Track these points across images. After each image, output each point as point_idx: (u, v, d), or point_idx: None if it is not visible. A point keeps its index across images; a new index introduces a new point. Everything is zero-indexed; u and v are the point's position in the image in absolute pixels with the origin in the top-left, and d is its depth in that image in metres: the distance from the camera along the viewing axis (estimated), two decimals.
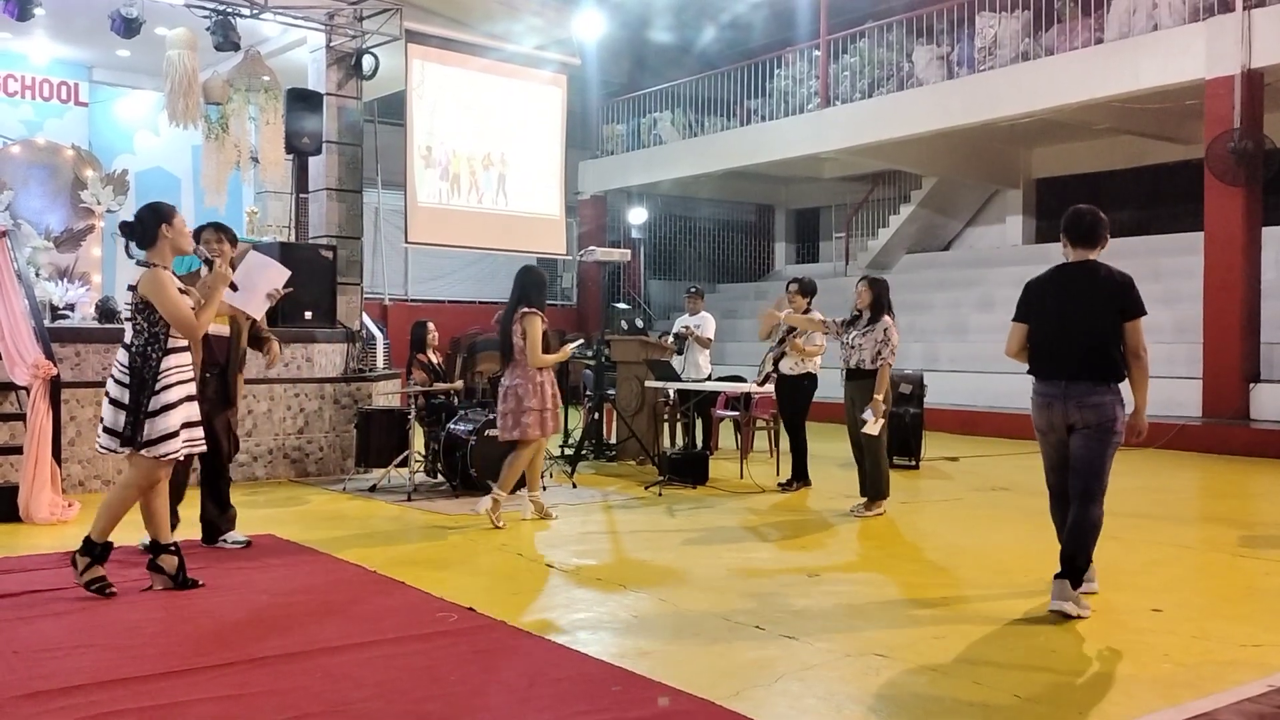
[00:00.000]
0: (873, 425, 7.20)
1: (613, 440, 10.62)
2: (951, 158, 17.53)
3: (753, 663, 4.09)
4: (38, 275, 10.23)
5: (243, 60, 11.02)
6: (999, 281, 16.82)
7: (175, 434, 4.85)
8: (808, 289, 8.50)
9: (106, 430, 4.89)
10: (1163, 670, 4.05)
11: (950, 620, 4.79)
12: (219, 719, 3.44)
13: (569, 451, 9.82)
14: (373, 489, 8.33)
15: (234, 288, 5.28)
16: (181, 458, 5.02)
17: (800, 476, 8.59)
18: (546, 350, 6.92)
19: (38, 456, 6.84)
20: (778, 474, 8.95)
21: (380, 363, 12.62)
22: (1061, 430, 4.95)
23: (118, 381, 4.88)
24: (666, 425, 10.61)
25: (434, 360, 9.07)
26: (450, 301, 18.95)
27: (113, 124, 13.34)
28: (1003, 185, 18.64)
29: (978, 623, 4.75)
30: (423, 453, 8.66)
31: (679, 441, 10.64)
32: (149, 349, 4.85)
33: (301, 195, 10.73)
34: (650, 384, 9.69)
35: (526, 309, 6.90)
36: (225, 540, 6.14)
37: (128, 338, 4.91)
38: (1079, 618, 4.67)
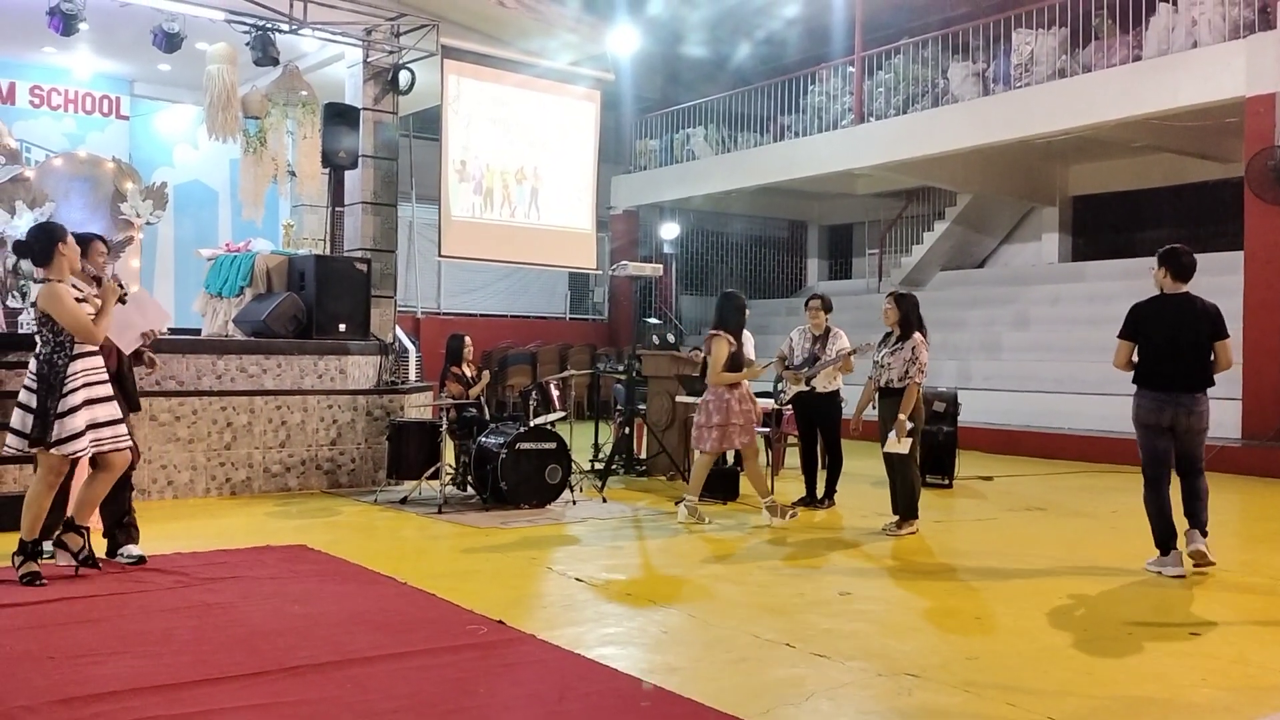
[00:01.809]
0: (896, 444, 7.15)
1: (643, 455, 10.60)
2: (987, 174, 17.41)
3: (783, 680, 4.06)
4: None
5: (281, 75, 11.16)
6: (1034, 299, 16.68)
7: (81, 434, 5.24)
8: (829, 306, 8.55)
9: (14, 432, 5.28)
10: (1201, 695, 3.98)
11: (984, 640, 4.74)
12: None
13: (599, 466, 9.82)
14: (404, 501, 8.36)
15: (123, 301, 5.57)
16: (88, 455, 5.36)
17: (827, 495, 8.55)
18: (736, 369, 7.52)
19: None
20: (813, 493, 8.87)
21: (413, 375, 12.70)
22: (1167, 428, 6.10)
23: (27, 388, 5.31)
24: None
25: (468, 374, 9.11)
26: (482, 315, 19.03)
27: (153, 137, 13.53)
28: (1039, 203, 18.48)
29: (1012, 644, 4.70)
30: (454, 465, 8.69)
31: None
32: (55, 355, 5.27)
33: (337, 209, 10.83)
34: (681, 399, 9.67)
35: (714, 331, 7.60)
36: (122, 554, 5.87)
37: (37, 348, 5.33)
38: (1210, 563, 6.04)
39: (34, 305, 5.40)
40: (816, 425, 8.55)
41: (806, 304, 8.59)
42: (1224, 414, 12.12)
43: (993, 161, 16.86)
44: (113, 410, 5.44)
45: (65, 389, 5.23)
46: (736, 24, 19.28)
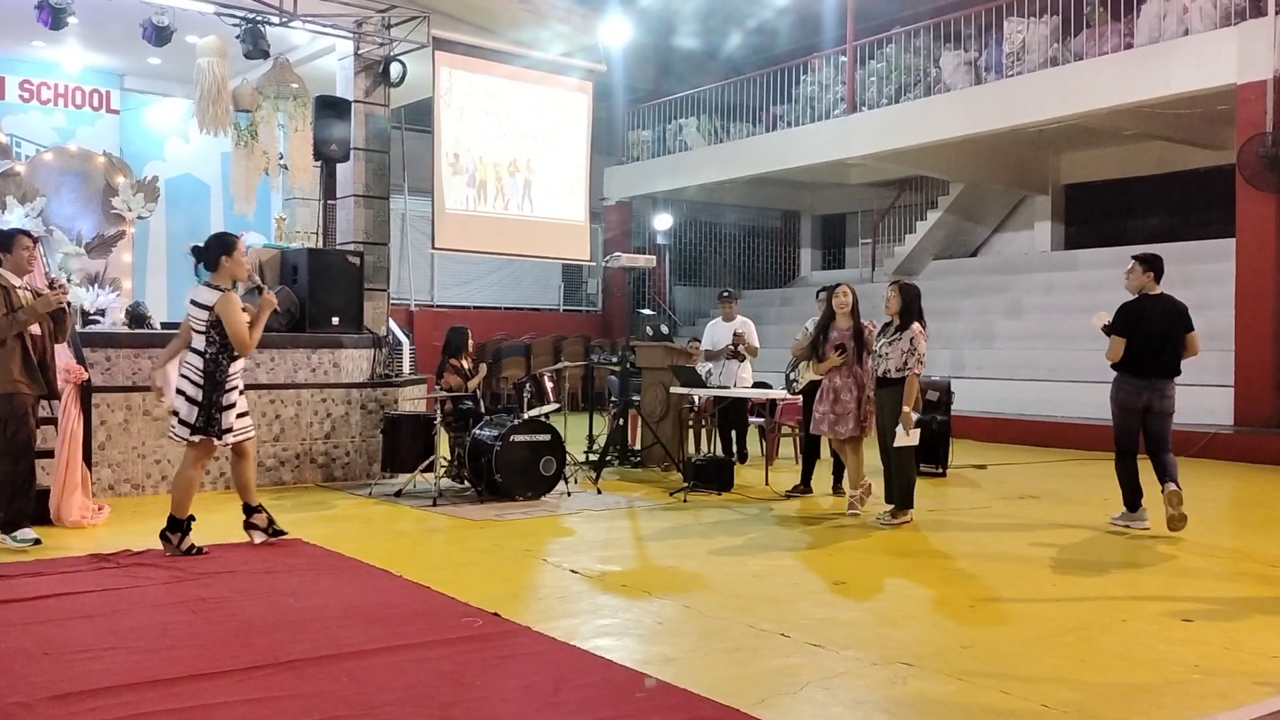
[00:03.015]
0: (905, 437, 7.16)
1: (637, 446, 10.61)
2: (979, 163, 17.42)
3: (778, 670, 4.07)
4: (69, 281, 10.34)
5: (272, 68, 11.11)
6: (1027, 288, 16.71)
7: (231, 426, 5.98)
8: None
9: (182, 422, 5.91)
10: (1193, 681, 4.00)
11: (978, 629, 4.76)
12: None
13: (593, 458, 9.83)
14: (398, 494, 8.37)
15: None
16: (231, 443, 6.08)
17: (835, 485, 8.59)
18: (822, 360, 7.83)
19: (69, 460, 6.91)
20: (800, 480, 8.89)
21: (406, 368, 12.68)
22: (1141, 410, 7.14)
23: (192, 381, 5.89)
24: (691, 431, 10.59)
25: (466, 366, 9.08)
26: (476, 307, 19.02)
27: (143, 131, 13.47)
28: (1031, 191, 18.51)
29: (1006, 632, 4.72)
30: (448, 458, 8.69)
31: (717, 450, 10.55)
32: (220, 356, 5.92)
33: (329, 201, 10.80)
34: (675, 390, 9.68)
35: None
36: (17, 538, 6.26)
37: (200, 345, 5.92)
38: (1181, 501, 6.89)
39: (197, 304, 5.92)
40: None
41: (817, 295, 8.67)
42: (1216, 401, 12.19)
43: (985, 150, 16.87)
44: (245, 404, 6.14)
45: (226, 386, 5.92)
46: (728, 14, 19.24)
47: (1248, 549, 6.78)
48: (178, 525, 6.00)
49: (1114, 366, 7.21)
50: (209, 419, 5.89)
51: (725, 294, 10.75)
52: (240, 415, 6.06)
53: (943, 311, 16.53)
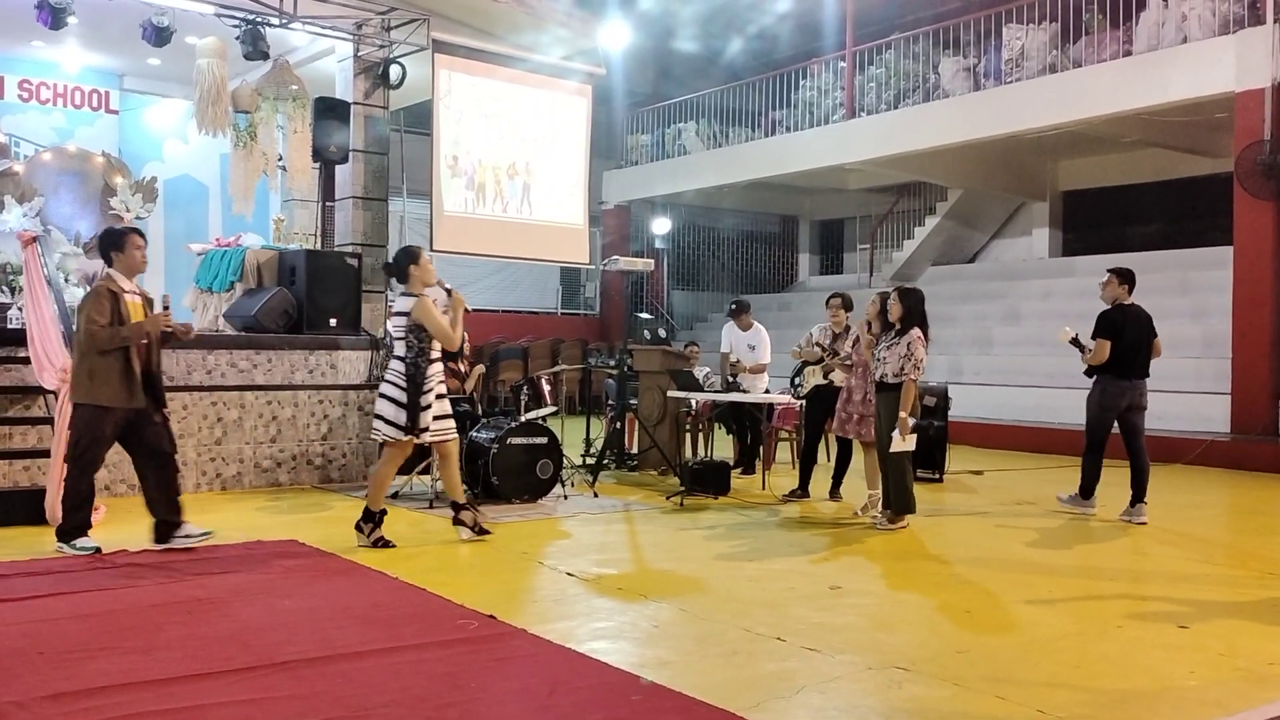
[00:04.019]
0: (901, 443, 7.15)
1: (634, 450, 10.60)
2: (977, 170, 17.45)
3: (774, 674, 4.07)
4: (67, 281, 10.31)
5: (271, 69, 11.11)
6: (1025, 294, 16.72)
7: (428, 426, 6.32)
8: (848, 303, 8.65)
9: (389, 423, 6.26)
10: (1189, 687, 4.00)
11: (974, 634, 4.76)
12: None
13: (590, 461, 9.82)
14: (395, 496, 8.35)
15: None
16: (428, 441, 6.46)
17: (834, 489, 8.61)
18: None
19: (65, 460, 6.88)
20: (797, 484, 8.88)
21: None
22: (1123, 409, 7.79)
23: (396, 385, 6.27)
24: (688, 435, 10.58)
25: (462, 368, 9.07)
26: (474, 310, 18.92)
27: (142, 131, 13.47)
28: (1029, 198, 18.53)
29: (1002, 637, 4.72)
30: None
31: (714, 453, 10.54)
32: (419, 360, 6.28)
33: (328, 203, 10.80)
34: (672, 394, 9.68)
35: None
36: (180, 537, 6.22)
37: (401, 351, 6.29)
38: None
39: (398, 313, 6.35)
40: (830, 419, 8.54)
41: (828, 302, 8.74)
42: (1213, 408, 12.21)
43: (983, 156, 16.90)
44: (445, 406, 6.47)
45: (425, 388, 6.28)
46: (728, 19, 19.27)
47: (1244, 556, 6.79)
48: (370, 516, 6.36)
49: (1096, 370, 7.81)
50: (414, 420, 6.24)
51: (734, 306, 10.53)
52: (440, 417, 6.38)
53: (940, 317, 16.48)
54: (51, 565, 5.70)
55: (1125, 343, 7.70)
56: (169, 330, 6.30)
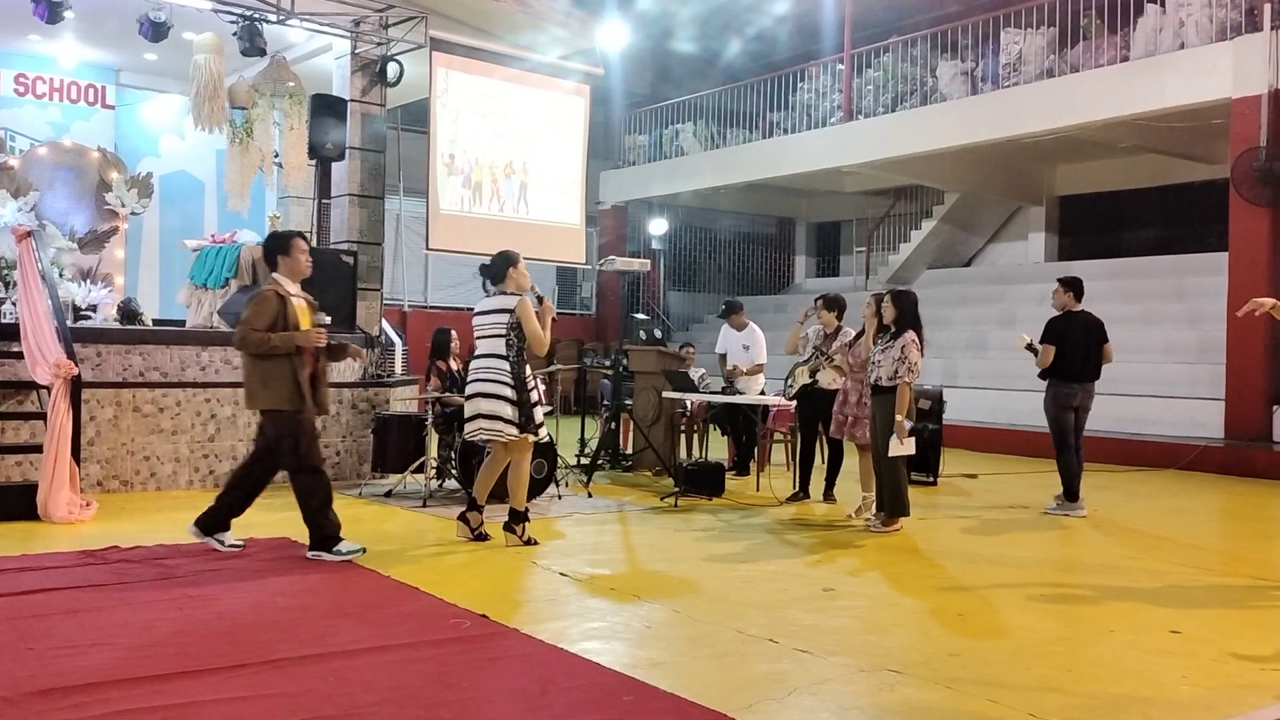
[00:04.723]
0: (899, 447, 7.14)
1: (629, 450, 10.59)
2: (974, 173, 17.46)
3: (766, 676, 4.06)
4: (61, 276, 10.30)
5: (268, 66, 11.09)
6: (1020, 298, 16.72)
7: (542, 421, 6.52)
8: (833, 304, 8.55)
9: (507, 422, 6.30)
10: (1180, 692, 4.00)
11: (966, 637, 4.76)
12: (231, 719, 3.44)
13: (585, 461, 9.81)
14: (389, 494, 8.34)
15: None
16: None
17: (828, 491, 8.63)
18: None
19: (57, 455, 6.88)
20: (794, 486, 8.89)
21: (399, 369, 12.66)
22: (1074, 408, 8.29)
23: (502, 383, 6.32)
24: (683, 436, 10.57)
25: (454, 368, 9.05)
26: (469, 309, 18.88)
27: (138, 127, 13.44)
28: (1026, 202, 18.54)
29: (994, 641, 4.71)
30: (438, 459, 8.66)
31: (708, 454, 10.54)
32: (519, 358, 6.39)
33: (324, 200, 10.78)
34: (668, 394, 9.67)
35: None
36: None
37: (502, 350, 6.36)
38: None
39: (496, 310, 6.47)
40: (820, 420, 8.55)
41: (814, 304, 8.71)
42: (1207, 414, 12.22)
43: (980, 160, 16.90)
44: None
45: (529, 385, 6.43)
46: (726, 20, 19.28)
47: (1236, 561, 6.79)
48: (520, 517, 6.52)
49: (1045, 375, 8.34)
50: (529, 417, 6.36)
51: (725, 307, 10.58)
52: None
53: (936, 321, 16.51)
54: (42, 561, 5.68)
55: (1070, 347, 8.19)
56: (334, 344, 6.13)
